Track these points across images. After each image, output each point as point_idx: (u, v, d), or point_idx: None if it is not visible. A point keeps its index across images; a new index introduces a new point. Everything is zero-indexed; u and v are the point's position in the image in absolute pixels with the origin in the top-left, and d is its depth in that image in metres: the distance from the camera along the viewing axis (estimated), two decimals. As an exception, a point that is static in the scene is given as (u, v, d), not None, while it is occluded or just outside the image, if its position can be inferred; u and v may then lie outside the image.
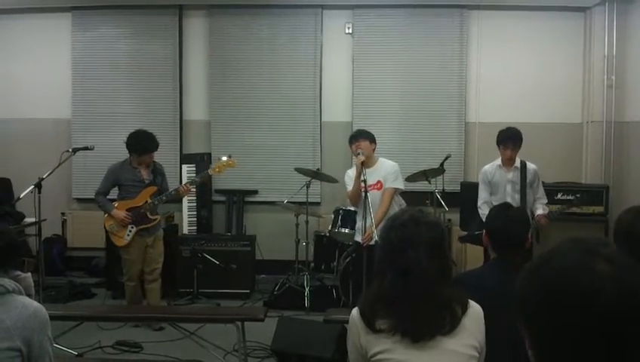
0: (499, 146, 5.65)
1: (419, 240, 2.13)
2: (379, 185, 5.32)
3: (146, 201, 5.93)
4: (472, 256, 6.67)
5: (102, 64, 7.97)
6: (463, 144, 7.70)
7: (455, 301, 2.14)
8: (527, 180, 5.54)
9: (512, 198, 5.48)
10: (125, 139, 5.98)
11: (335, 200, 7.24)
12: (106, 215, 5.97)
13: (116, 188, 6.07)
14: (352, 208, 5.83)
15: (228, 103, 7.92)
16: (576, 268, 1.08)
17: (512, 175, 5.60)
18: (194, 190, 7.04)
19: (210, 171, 6.14)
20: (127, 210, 5.89)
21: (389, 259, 2.18)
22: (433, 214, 6.10)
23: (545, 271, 1.11)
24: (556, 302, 1.07)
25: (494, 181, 5.66)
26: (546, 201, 5.75)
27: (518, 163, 5.61)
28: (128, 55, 7.99)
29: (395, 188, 5.49)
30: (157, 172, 6.10)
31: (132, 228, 5.91)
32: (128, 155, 6.00)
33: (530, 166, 5.60)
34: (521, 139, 5.60)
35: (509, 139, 5.57)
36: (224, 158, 6.13)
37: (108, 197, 6.05)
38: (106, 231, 6.08)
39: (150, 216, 5.97)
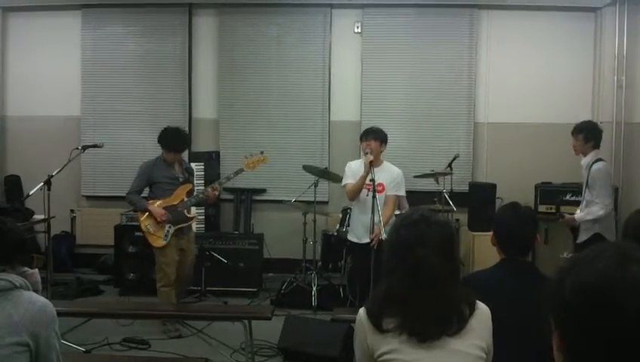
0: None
1: (430, 239, 2.12)
2: (380, 187, 5.31)
3: (183, 199, 5.66)
4: (479, 258, 6.65)
5: (111, 62, 7.99)
6: (472, 144, 7.66)
7: (463, 301, 2.12)
8: (588, 180, 5.43)
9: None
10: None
11: (343, 200, 7.22)
12: (142, 214, 5.58)
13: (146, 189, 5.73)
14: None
15: (237, 102, 7.93)
16: (609, 269, 1.07)
17: (585, 173, 5.52)
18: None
19: (243, 167, 5.84)
20: (164, 209, 5.57)
21: (398, 256, 2.16)
22: (441, 214, 6.10)
23: (577, 274, 1.10)
24: (589, 303, 1.06)
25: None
26: (597, 206, 5.29)
27: (585, 161, 5.50)
28: (138, 53, 8.01)
29: (397, 196, 5.55)
30: (189, 171, 5.90)
31: (170, 227, 5.56)
32: (161, 152, 5.71)
33: (595, 166, 5.41)
34: (580, 129, 5.56)
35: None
36: (254, 155, 5.90)
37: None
38: (142, 232, 5.63)
39: (188, 215, 5.70)
